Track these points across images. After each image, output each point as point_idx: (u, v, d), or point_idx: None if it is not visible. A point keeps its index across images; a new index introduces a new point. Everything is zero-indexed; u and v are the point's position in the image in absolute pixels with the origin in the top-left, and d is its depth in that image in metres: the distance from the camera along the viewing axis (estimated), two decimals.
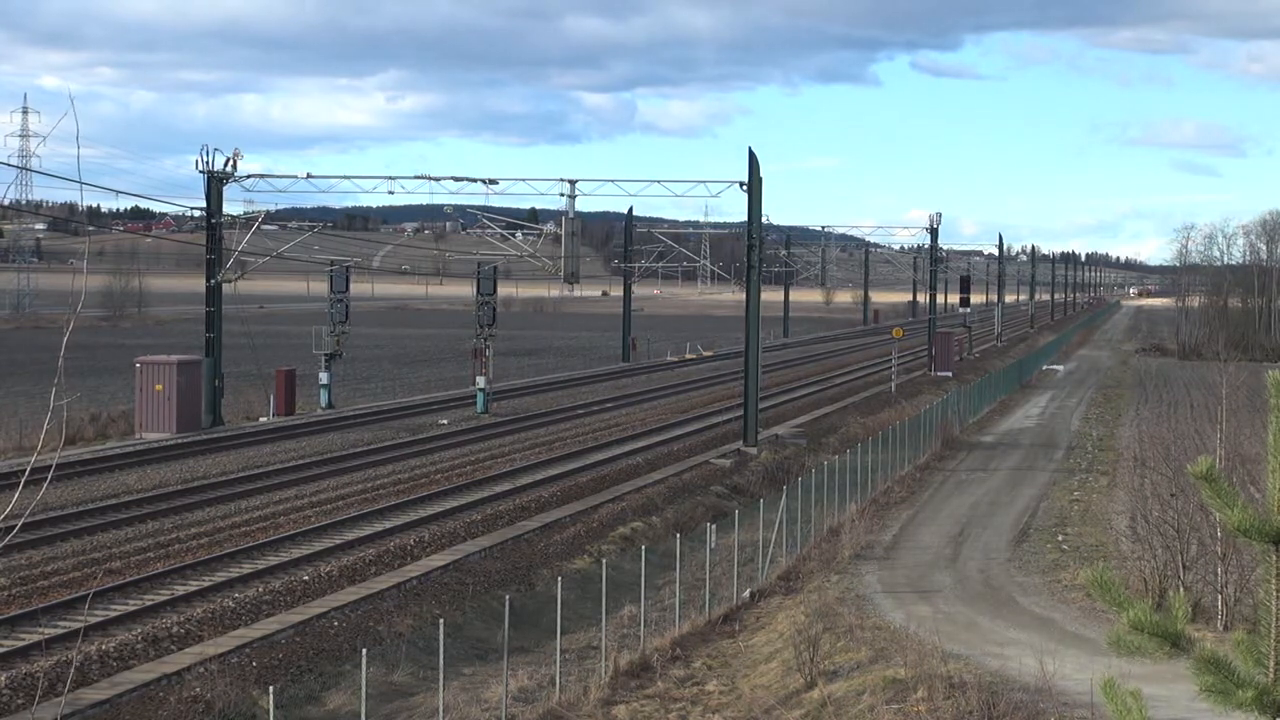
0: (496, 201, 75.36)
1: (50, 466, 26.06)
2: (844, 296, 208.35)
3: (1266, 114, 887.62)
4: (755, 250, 52.04)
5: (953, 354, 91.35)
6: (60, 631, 23.78)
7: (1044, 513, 40.69)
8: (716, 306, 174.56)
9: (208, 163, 52.93)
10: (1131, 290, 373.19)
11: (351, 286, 62.22)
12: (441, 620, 21.85)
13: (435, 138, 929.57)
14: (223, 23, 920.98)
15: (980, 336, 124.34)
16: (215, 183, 53.21)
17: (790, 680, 22.46)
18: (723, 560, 31.10)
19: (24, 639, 23.36)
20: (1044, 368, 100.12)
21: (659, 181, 58.94)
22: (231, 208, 57.13)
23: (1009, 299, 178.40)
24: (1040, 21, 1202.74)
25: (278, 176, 57.17)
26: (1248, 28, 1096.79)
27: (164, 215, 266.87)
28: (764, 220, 54.20)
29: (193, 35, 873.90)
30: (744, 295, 53.98)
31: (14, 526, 8.00)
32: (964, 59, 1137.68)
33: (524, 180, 59.03)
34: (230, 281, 55.76)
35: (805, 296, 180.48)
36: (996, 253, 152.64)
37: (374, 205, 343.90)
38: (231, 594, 27.02)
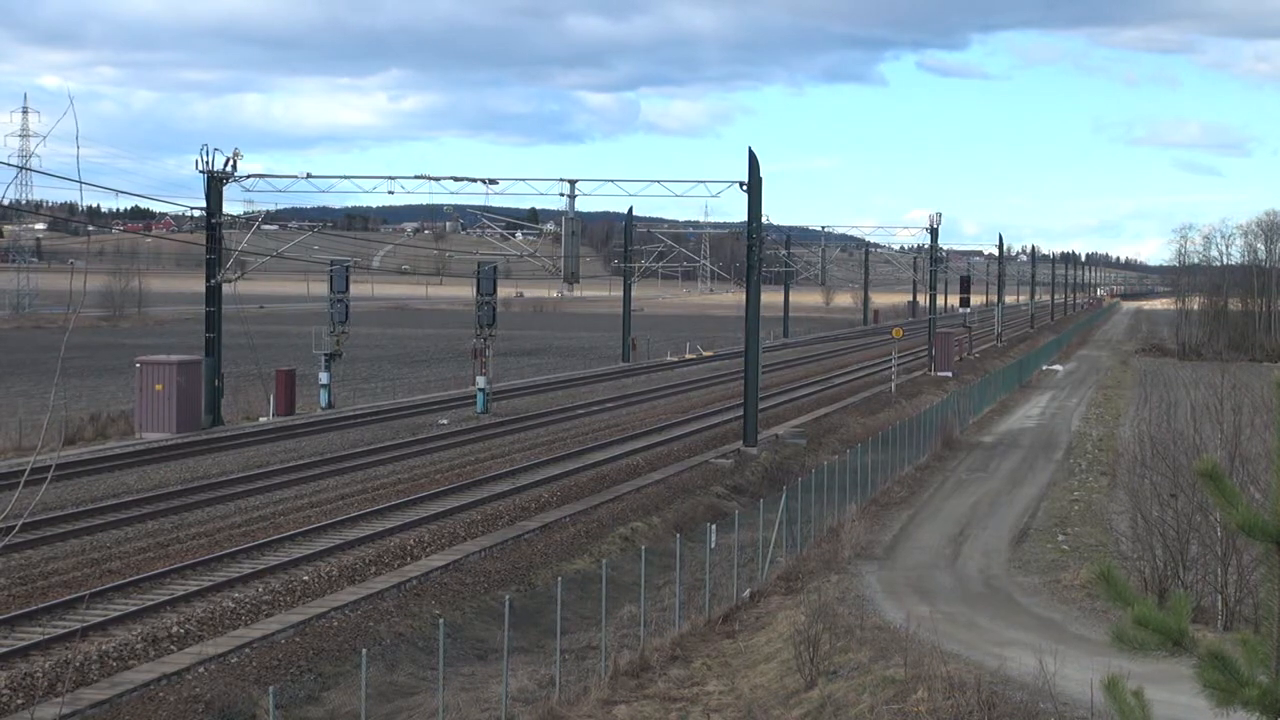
0: (497, 201, 75.21)
1: (50, 466, 26.05)
2: (844, 297, 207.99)
3: (1271, 113, 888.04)
4: (755, 250, 52.04)
5: (953, 354, 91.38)
6: (60, 631, 23.77)
7: (1044, 513, 40.69)
8: (716, 306, 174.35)
9: (208, 163, 52.93)
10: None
11: (351, 286, 62.17)
12: (441, 620, 21.85)
13: (437, 137, 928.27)
14: (224, 22, 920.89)
15: (980, 337, 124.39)
16: (215, 183, 53.20)
17: (790, 680, 22.44)
18: (723, 560, 31.07)
19: (24, 639, 23.36)
20: (1044, 368, 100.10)
21: (659, 181, 59.02)
22: (231, 208, 57.40)
23: (1009, 299, 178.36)
24: (1047, 20, 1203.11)
25: (278, 176, 57.27)
26: (1255, 27, 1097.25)
27: (164, 215, 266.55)
28: (764, 220, 54.20)
29: (193, 34, 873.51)
30: (744, 295, 53.97)
31: (14, 526, 8.00)
32: (970, 58, 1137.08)
33: (524, 180, 59.22)
34: (230, 281, 55.77)
35: (805, 297, 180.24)
36: (997, 253, 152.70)
37: (374, 205, 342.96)
38: (231, 594, 27.01)
